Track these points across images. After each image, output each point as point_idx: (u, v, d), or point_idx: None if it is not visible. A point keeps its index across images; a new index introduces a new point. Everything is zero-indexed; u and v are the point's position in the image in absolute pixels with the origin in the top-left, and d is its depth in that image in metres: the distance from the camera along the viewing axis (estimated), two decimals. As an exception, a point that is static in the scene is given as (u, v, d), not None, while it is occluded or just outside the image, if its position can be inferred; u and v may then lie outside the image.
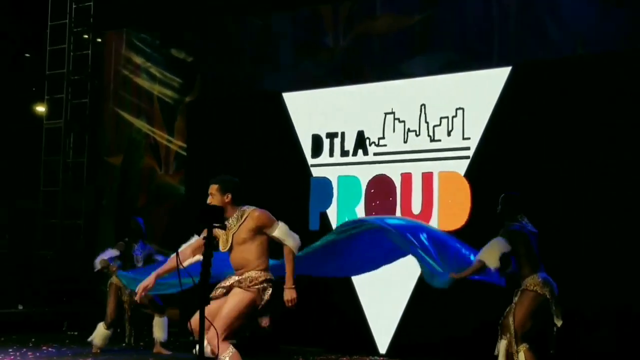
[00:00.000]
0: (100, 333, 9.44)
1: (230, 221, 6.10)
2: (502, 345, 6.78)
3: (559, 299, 6.70)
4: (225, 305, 5.83)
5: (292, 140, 10.52)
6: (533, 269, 6.71)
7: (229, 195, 6.18)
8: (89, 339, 9.46)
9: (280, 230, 6.10)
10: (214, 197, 6.19)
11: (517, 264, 6.82)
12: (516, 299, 6.75)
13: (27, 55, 17.54)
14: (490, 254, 6.79)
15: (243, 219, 6.10)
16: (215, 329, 5.49)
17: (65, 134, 13.49)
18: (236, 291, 5.92)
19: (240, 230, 6.06)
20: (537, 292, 6.62)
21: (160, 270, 6.28)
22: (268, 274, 6.07)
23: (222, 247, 6.16)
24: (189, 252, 6.20)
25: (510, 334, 6.69)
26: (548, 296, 6.61)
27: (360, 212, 9.91)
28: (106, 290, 9.76)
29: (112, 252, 9.60)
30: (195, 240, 6.27)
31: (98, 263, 9.46)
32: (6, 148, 17.03)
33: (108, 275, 9.66)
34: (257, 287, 5.94)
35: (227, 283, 6.04)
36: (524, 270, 6.74)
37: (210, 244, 4.60)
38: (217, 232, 6.13)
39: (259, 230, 6.08)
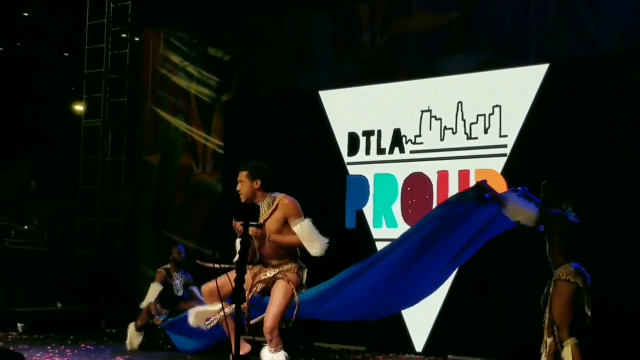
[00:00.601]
0: (131, 334, 9.52)
1: (261, 208, 6.08)
2: (548, 343, 6.70)
3: (591, 289, 6.61)
4: (275, 299, 5.84)
5: (328, 138, 10.53)
6: (566, 258, 6.62)
7: (259, 182, 6.18)
8: (126, 345, 9.53)
9: (301, 228, 6.01)
10: (244, 183, 6.18)
11: (550, 251, 6.74)
12: (551, 289, 6.68)
13: (66, 54, 17.75)
14: (516, 212, 6.71)
15: (274, 205, 6.08)
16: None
17: (103, 132, 13.59)
18: (281, 283, 5.93)
19: (272, 220, 6.05)
20: (570, 281, 6.54)
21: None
22: (300, 263, 6.11)
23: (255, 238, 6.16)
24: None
25: (556, 329, 6.61)
26: (580, 285, 6.53)
27: (396, 209, 9.89)
28: (146, 290, 9.83)
29: (155, 290, 9.59)
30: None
31: (149, 308, 9.50)
32: (46, 147, 17.24)
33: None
34: (297, 277, 5.96)
35: (264, 276, 6.04)
36: (557, 259, 6.65)
37: (247, 241, 4.61)
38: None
39: (286, 220, 6.06)
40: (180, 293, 9.59)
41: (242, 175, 6.26)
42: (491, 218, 6.99)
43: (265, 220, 6.08)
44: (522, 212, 6.70)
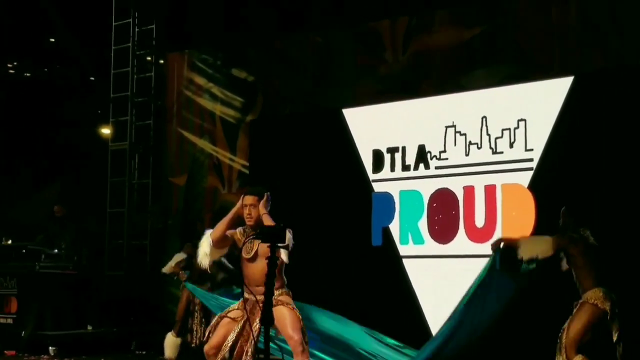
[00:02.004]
0: (170, 343, 9.55)
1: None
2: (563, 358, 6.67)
3: (619, 314, 6.55)
4: (289, 326, 5.84)
5: (352, 155, 10.54)
6: (594, 282, 6.57)
7: (268, 207, 6.18)
8: (165, 356, 9.57)
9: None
10: (255, 208, 6.18)
11: (577, 277, 6.69)
12: (575, 310, 6.63)
13: (92, 79, 17.91)
14: (529, 247, 6.70)
15: None
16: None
17: (130, 155, 13.67)
18: (287, 309, 5.94)
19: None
20: (598, 306, 6.48)
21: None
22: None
23: (246, 254, 6.17)
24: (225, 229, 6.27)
25: (564, 347, 6.56)
26: (608, 311, 6.47)
27: (423, 226, 9.87)
28: (179, 294, 9.93)
29: (179, 256, 9.72)
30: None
31: (167, 268, 9.60)
32: (74, 170, 17.39)
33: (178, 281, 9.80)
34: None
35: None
36: (585, 283, 6.60)
37: (274, 263, 4.61)
38: (239, 236, 6.16)
39: None
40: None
41: (254, 199, 6.24)
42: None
43: (260, 244, 6.12)
44: (537, 243, 6.69)
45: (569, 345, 6.51)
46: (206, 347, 6.22)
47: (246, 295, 6.12)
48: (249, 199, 6.26)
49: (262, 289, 5.88)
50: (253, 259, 6.17)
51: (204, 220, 12.68)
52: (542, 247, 6.67)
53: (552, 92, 9.11)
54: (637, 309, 7.64)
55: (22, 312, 11.59)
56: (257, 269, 6.06)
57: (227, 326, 6.17)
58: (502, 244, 6.92)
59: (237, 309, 6.24)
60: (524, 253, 6.70)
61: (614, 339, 6.48)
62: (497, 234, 9.28)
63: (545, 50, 9.74)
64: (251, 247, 6.19)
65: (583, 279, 6.63)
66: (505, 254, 6.94)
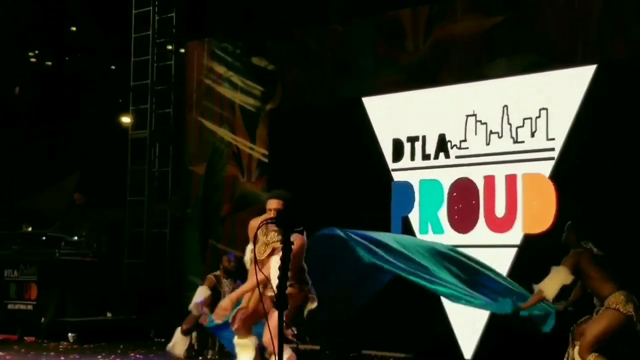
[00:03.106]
0: (179, 338, 9.55)
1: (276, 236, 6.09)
2: (574, 352, 6.61)
3: None
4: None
5: (372, 145, 10.50)
6: (613, 287, 6.50)
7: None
8: (168, 347, 9.55)
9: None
10: (280, 212, 6.16)
11: (592, 288, 6.63)
12: (596, 315, 6.57)
13: (113, 67, 17.96)
14: (550, 284, 6.68)
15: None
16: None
17: (150, 144, 13.69)
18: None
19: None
20: (620, 311, 6.41)
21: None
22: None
23: (259, 255, 6.16)
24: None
25: (579, 342, 6.51)
26: (633, 314, 6.40)
27: (442, 216, 9.82)
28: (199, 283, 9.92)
29: (202, 293, 9.63)
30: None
31: (193, 309, 9.55)
32: (94, 159, 17.45)
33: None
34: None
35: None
36: (603, 290, 6.52)
37: (289, 249, 4.58)
38: (259, 236, 6.16)
39: None
40: None
41: (279, 204, 6.21)
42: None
43: (274, 248, 6.11)
44: (555, 277, 6.68)
45: (585, 347, 6.46)
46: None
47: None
48: (273, 203, 6.23)
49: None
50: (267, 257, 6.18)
51: (221, 210, 12.71)
52: (560, 277, 6.66)
53: (574, 81, 9.03)
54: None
55: (42, 298, 11.67)
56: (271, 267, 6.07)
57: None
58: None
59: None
60: (549, 293, 6.69)
61: None
62: (518, 224, 9.23)
63: (567, 39, 9.64)
64: (264, 249, 6.19)
65: (599, 288, 6.56)
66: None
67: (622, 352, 6.66)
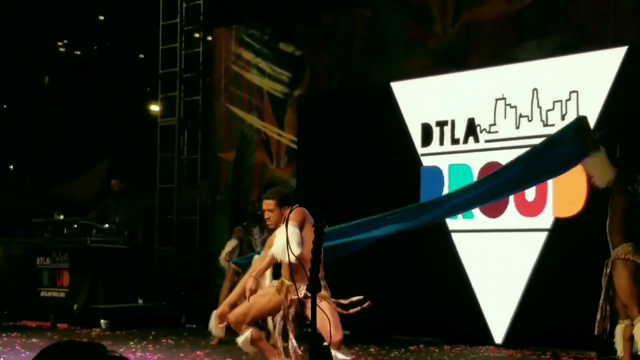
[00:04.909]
0: (215, 322, 9.56)
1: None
2: (619, 330, 6.57)
3: None
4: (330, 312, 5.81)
5: (401, 129, 10.46)
6: (625, 238, 6.48)
7: (287, 209, 6.08)
8: (209, 329, 9.59)
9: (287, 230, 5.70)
10: (274, 212, 6.13)
11: (610, 229, 6.59)
12: (608, 270, 6.54)
13: (141, 56, 18.03)
14: (600, 164, 6.56)
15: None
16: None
17: (179, 131, 13.74)
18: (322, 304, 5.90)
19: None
20: (629, 259, 6.40)
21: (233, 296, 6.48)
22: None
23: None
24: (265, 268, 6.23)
25: (626, 309, 6.46)
26: (639, 262, 6.39)
27: (472, 200, 9.77)
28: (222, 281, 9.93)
29: (229, 245, 9.72)
30: (254, 262, 6.33)
31: (222, 260, 9.62)
32: (125, 146, 17.56)
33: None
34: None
35: (295, 296, 6.00)
36: (615, 239, 6.52)
37: (322, 231, 4.57)
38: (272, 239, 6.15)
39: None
40: (259, 249, 9.58)
41: (270, 204, 6.17)
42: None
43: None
44: (602, 169, 6.55)
45: (629, 303, 6.41)
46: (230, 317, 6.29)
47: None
48: (266, 204, 6.21)
49: (293, 273, 5.90)
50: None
51: (249, 197, 12.73)
52: (602, 176, 6.57)
53: (605, 63, 8.93)
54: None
55: (74, 285, 11.76)
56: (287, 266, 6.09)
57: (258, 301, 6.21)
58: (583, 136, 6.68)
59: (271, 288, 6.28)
60: (588, 162, 6.60)
61: None
62: (548, 209, 9.17)
63: (598, 20, 9.54)
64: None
65: (615, 233, 6.54)
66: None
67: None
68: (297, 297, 5.92)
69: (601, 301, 6.60)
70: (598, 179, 6.60)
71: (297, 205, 5.66)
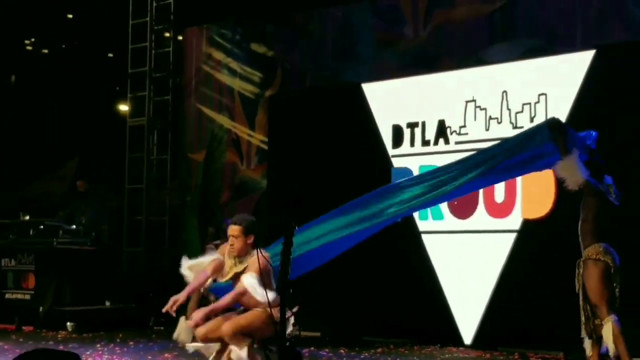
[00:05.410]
0: (183, 327, 9.49)
1: (239, 260, 6.05)
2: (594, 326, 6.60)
3: (620, 269, 6.49)
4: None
5: (372, 131, 10.46)
6: (597, 238, 6.52)
7: (252, 237, 6.04)
8: (174, 336, 9.51)
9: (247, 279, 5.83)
10: (238, 239, 6.04)
11: (581, 229, 6.62)
12: (581, 270, 6.58)
13: (110, 55, 17.91)
14: (571, 167, 6.56)
15: (250, 263, 5.99)
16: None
17: (148, 131, 13.65)
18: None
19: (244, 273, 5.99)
20: (599, 259, 6.44)
21: (191, 287, 6.32)
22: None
23: (222, 278, 6.17)
24: (210, 271, 6.22)
25: (595, 308, 6.50)
26: (610, 264, 6.43)
27: (442, 201, 9.81)
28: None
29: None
30: (212, 259, 6.28)
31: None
32: (93, 146, 17.43)
33: None
34: None
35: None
36: (586, 239, 6.56)
37: (292, 232, 4.56)
38: (226, 260, 6.14)
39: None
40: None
41: (236, 230, 6.06)
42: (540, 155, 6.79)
43: (238, 274, 6.05)
44: (573, 172, 6.56)
45: (598, 303, 6.44)
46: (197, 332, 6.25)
47: None
48: (231, 229, 6.13)
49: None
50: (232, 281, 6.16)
51: (220, 197, 12.69)
52: (573, 178, 6.56)
53: (573, 66, 8.99)
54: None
55: (39, 287, 11.61)
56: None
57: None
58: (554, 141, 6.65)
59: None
60: (560, 165, 6.58)
61: (617, 294, 6.44)
62: (517, 210, 9.22)
63: (566, 24, 9.62)
64: (228, 271, 6.17)
65: (587, 233, 6.57)
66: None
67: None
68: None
69: (581, 302, 6.63)
70: (570, 182, 6.62)
71: (260, 251, 5.66)
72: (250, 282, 5.72)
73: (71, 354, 2.08)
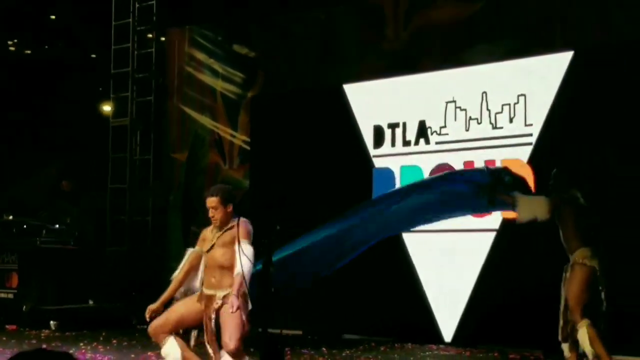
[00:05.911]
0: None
1: (223, 229, 6.11)
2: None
3: (606, 273, 6.60)
4: (228, 332, 5.82)
5: (353, 131, 10.55)
6: (582, 242, 6.61)
7: (230, 206, 6.12)
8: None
9: (247, 248, 5.85)
10: (217, 209, 6.10)
11: (564, 237, 6.72)
12: (567, 274, 6.68)
13: (93, 55, 17.88)
14: (528, 207, 6.70)
15: (229, 225, 6.05)
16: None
17: (131, 131, 13.67)
18: (230, 316, 5.90)
19: (225, 234, 6.05)
20: (586, 264, 6.53)
21: (166, 294, 6.39)
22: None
23: (204, 247, 6.22)
24: (189, 270, 6.28)
25: (569, 313, 6.60)
26: (597, 268, 6.52)
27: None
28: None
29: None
30: (188, 255, 6.33)
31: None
32: (75, 147, 17.40)
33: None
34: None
35: (216, 305, 6.03)
36: (572, 244, 6.64)
37: (274, 232, 4.63)
38: (206, 234, 6.20)
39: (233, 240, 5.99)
40: None
41: (214, 201, 6.11)
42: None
43: (218, 237, 6.12)
44: (535, 205, 6.69)
45: (574, 308, 6.54)
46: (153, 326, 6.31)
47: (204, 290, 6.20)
48: (209, 201, 6.20)
49: (216, 280, 5.97)
50: (210, 248, 6.20)
51: (203, 197, 12.70)
52: (540, 210, 6.68)
53: (552, 67, 9.11)
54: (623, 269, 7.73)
55: (23, 287, 11.62)
56: (214, 256, 6.09)
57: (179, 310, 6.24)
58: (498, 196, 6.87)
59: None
60: (523, 213, 6.71)
61: (603, 297, 6.54)
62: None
63: (545, 25, 9.72)
64: (210, 238, 6.22)
65: (570, 239, 6.66)
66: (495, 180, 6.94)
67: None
68: (217, 306, 5.94)
69: (562, 307, 6.73)
70: (540, 215, 6.74)
71: (240, 218, 5.75)
72: (249, 250, 5.76)
73: (65, 354, 2.14)
